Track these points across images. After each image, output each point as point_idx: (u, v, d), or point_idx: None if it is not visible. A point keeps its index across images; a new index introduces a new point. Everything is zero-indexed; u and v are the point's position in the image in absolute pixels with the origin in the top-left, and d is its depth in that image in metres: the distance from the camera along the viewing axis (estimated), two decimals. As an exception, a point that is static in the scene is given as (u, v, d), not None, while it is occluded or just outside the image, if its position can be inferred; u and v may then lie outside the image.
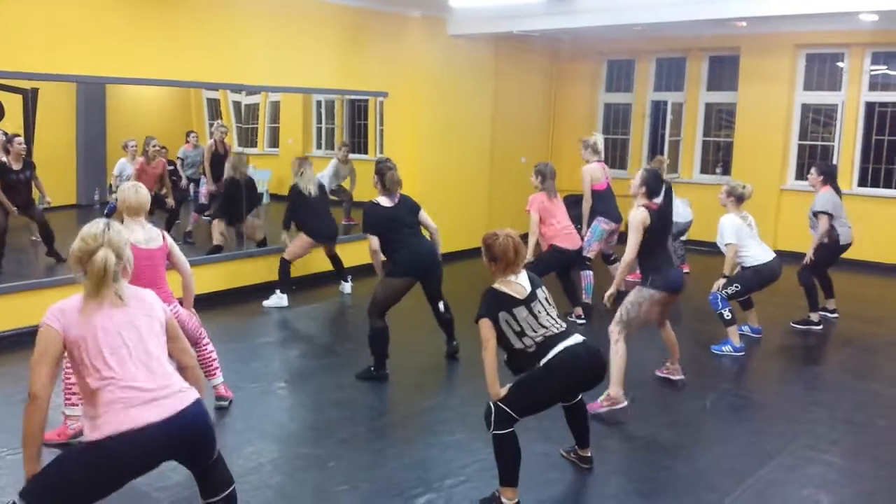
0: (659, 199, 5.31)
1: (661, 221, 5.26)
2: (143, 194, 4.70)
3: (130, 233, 4.32)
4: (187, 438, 2.92)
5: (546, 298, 3.97)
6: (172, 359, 3.12)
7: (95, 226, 2.95)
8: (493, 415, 3.77)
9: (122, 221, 4.60)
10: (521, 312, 3.82)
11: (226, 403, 5.18)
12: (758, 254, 6.42)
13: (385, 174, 5.87)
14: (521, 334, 3.82)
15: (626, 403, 5.09)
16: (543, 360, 3.79)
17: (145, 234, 4.69)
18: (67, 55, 6.71)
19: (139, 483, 4.03)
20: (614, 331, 5.17)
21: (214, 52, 7.76)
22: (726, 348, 6.41)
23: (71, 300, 2.91)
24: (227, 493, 3.12)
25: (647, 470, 4.44)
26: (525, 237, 7.14)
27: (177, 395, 2.89)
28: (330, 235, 8.21)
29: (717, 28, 10.21)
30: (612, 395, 5.09)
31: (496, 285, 3.91)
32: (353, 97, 10.68)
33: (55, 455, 2.92)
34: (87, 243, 2.90)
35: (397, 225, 5.81)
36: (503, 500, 3.78)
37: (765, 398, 5.74)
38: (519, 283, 3.90)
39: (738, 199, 6.43)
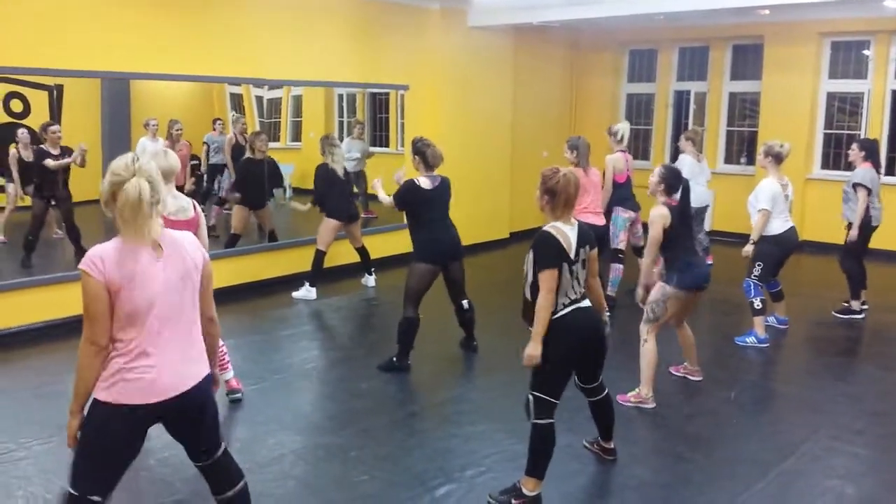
0: (678, 196, 5.21)
1: (681, 218, 5.15)
2: (172, 158, 4.31)
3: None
4: (189, 407, 2.86)
5: (583, 261, 3.81)
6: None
7: (124, 158, 2.71)
8: (531, 404, 3.74)
9: None
10: (565, 272, 3.70)
11: (239, 395, 5.20)
12: (778, 224, 6.28)
13: (426, 151, 5.76)
14: (557, 294, 3.70)
15: (653, 405, 5.07)
16: (554, 316, 3.70)
17: (175, 204, 4.35)
18: (92, 52, 6.79)
19: (167, 475, 4.12)
20: (643, 330, 5.13)
21: (236, 46, 7.81)
22: (750, 339, 6.35)
23: (108, 246, 2.70)
24: (238, 488, 3.09)
25: (670, 461, 4.42)
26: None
27: (193, 369, 2.84)
28: (353, 215, 8.21)
29: (739, 16, 10.10)
30: (641, 394, 5.08)
31: (550, 229, 3.71)
32: (374, 90, 10.68)
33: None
34: (118, 175, 2.67)
35: (427, 209, 5.74)
36: (524, 490, 3.77)
37: (789, 389, 5.69)
38: (569, 236, 3.74)
39: (777, 157, 6.26)
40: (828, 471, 4.29)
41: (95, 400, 2.76)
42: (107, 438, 2.77)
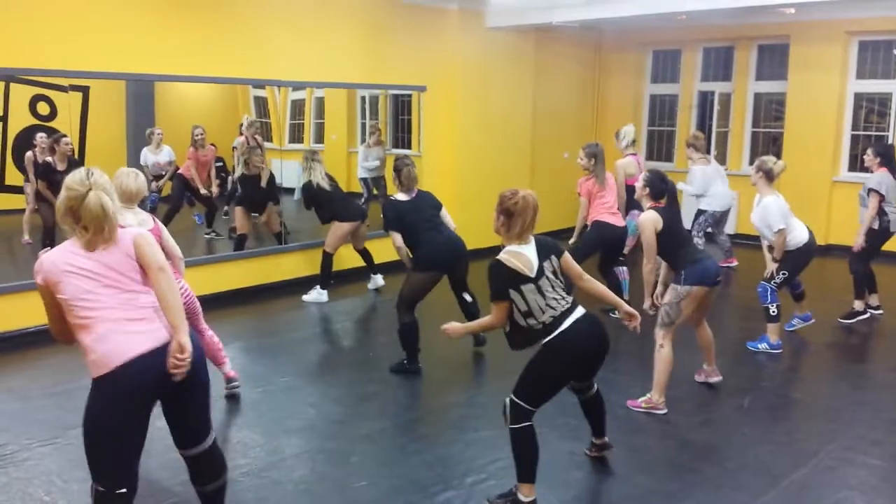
0: (664, 200, 5.13)
1: (672, 219, 5.08)
2: (141, 181, 4.69)
3: (122, 219, 4.16)
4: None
5: (553, 271, 3.75)
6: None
7: (78, 173, 2.91)
8: (508, 409, 3.70)
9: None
10: (528, 290, 3.65)
11: (237, 384, 5.22)
12: (798, 234, 6.17)
13: (402, 170, 5.91)
14: (527, 315, 3.68)
15: (665, 411, 4.97)
16: (545, 340, 3.67)
17: (136, 219, 4.64)
18: (116, 54, 6.89)
19: (164, 478, 4.11)
20: (659, 334, 5.02)
21: (254, 48, 7.86)
22: (762, 346, 6.22)
23: (54, 249, 2.94)
24: (218, 483, 3.14)
25: (676, 470, 4.31)
26: (567, 231, 7.11)
27: (159, 334, 2.92)
28: (360, 214, 8.23)
29: (765, 16, 9.92)
30: (652, 400, 4.99)
31: (503, 256, 3.70)
32: (395, 92, 10.66)
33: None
34: (74, 190, 2.86)
35: (416, 219, 5.81)
36: (520, 496, 3.71)
37: (804, 397, 5.56)
38: (526, 256, 3.70)
39: (768, 174, 6.14)
40: (840, 482, 4.16)
41: (93, 383, 2.86)
42: (112, 414, 2.84)
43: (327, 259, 7.97)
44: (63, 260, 2.88)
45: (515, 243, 3.76)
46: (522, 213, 3.70)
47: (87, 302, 2.86)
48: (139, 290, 2.96)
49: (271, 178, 8.66)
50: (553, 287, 3.72)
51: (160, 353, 2.87)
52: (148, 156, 9.18)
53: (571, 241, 7.05)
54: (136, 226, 4.51)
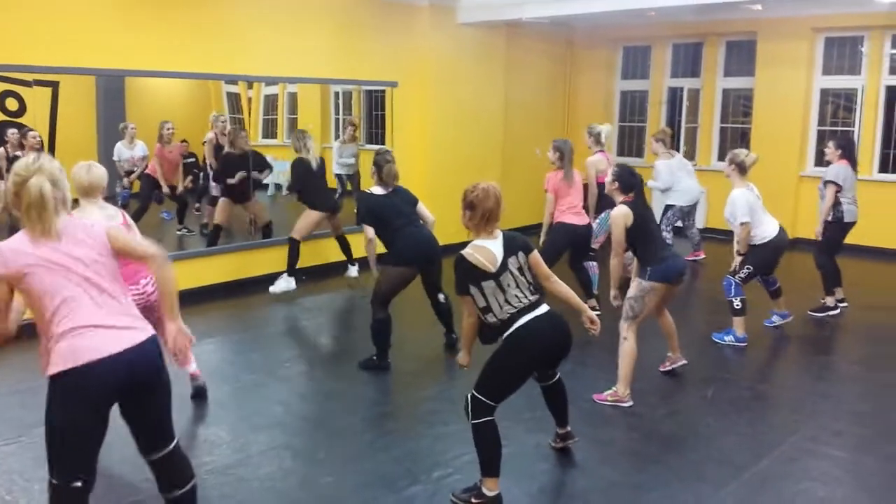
0: (633, 194, 5.19)
1: (642, 214, 5.13)
2: (95, 173, 4.44)
3: (87, 215, 4.21)
4: (139, 372, 2.89)
5: (519, 268, 3.75)
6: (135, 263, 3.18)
7: (25, 159, 2.86)
8: (469, 405, 3.72)
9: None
10: (488, 286, 3.68)
11: (201, 382, 5.14)
12: (767, 229, 6.24)
13: (383, 167, 5.85)
14: (486, 310, 3.71)
15: (630, 403, 5.01)
16: (505, 334, 3.70)
17: (102, 213, 4.45)
18: (86, 49, 6.81)
19: (126, 473, 4.08)
20: (623, 327, 5.08)
21: (225, 44, 7.80)
22: (728, 338, 6.29)
23: (10, 240, 2.86)
24: (186, 488, 3.08)
25: (640, 462, 4.35)
26: (538, 227, 7.12)
27: (132, 330, 2.89)
28: (333, 206, 8.26)
29: (733, 12, 10.02)
30: (618, 393, 5.03)
31: (467, 251, 3.71)
32: (369, 88, 10.63)
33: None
34: (19, 175, 2.80)
35: (391, 213, 5.78)
36: (484, 490, 3.72)
37: (769, 389, 5.63)
38: (490, 251, 3.72)
39: (740, 167, 6.20)
40: (802, 473, 4.22)
41: (50, 378, 2.81)
42: (70, 412, 2.79)
43: (294, 246, 8.00)
44: (23, 250, 2.79)
45: (482, 237, 3.76)
46: (482, 202, 3.72)
47: (53, 296, 2.79)
48: (108, 288, 2.89)
49: (259, 155, 8.72)
50: (517, 284, 3.73)
51: (128, 354, 2.83)
52: (122, 151, 9.08)
53: (541, 239, 7.06)
54: (103, 219, 4.37)
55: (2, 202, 7.67)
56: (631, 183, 5.13)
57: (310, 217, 8.02)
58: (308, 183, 8.01)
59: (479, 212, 3.74)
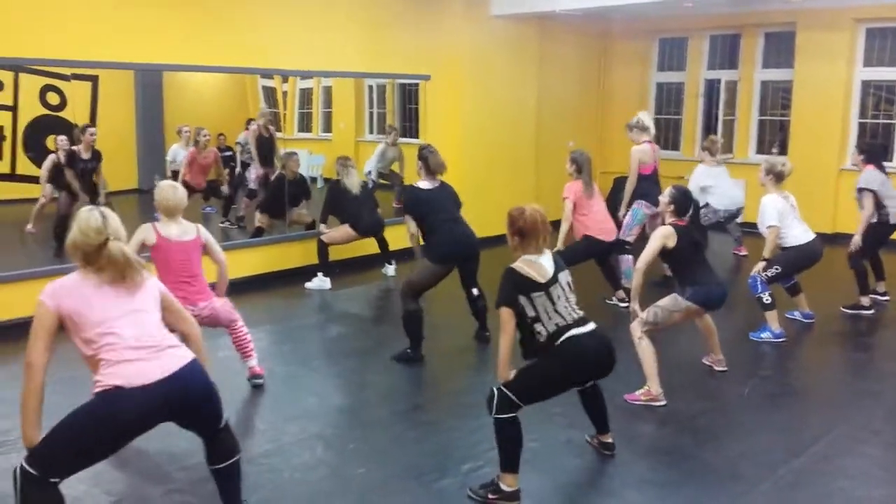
0: (687, 217, 5.12)
1: (689, 239, 5.08)
2: (180, 195, 4.90)
3: (166, 228, 4.83)
4: (186, 397, 3.00)
5: (568, 283, 3.83)
6: (174, 331, 3.25)
7: (94, 218, 3.00)
8: (495, 399, 3.70)
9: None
10: (539, 298, 3.71)
11: (260, 381, 5.25)
12: (798, 234, 6.18)
13: (429, 158, 5.90)
14: (535, 320, 3.72)
15: (664, 402, 4.93)
16: (552, 346, 3.71)
17: (179, 229, 4.91)
18: (124, 44, 6.92)
19: (163, 462, 4.14)
20: (636, 329, 5.01)
21: (258, 37, 7.86)
22: (765, 335, 6.19)
23: (66, 279, 3.02)
24: (232, 460, 3.25)
25: (674, 458, 4.30)
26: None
27: (175, 355, 3.00)
28: (371, 229, 8.27)
29: (771, 3, 9.87)
30: (651, 391, 4.97)
31: (517, 265, 3.76)
32: (402, 81, 10.64)
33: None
34: (89, 237, 2.96)
35: (434, 208, 5.79)
36: (502, 485, 3.70)
37: (806, 386, 5.54)
38: (541, 264, 3.76)
39: (778, 176, 6.18)
40: (838, 472, 4.14)
41: (103, 390, 2.88)
42: (99, 434, 2.86)
43: (322, 246, 8.03)
44: (79, 289, 2.98)
45: (530, 253, 3.81)
46: (533, 227, 3.76)
47: (107, 333, 2.94)
48: (155, 322, 3.08)
49: (302, 179, 8.90)
50: (566, 298, 3.77)
51: (170, 381, 2.93)
52: (178, 152, 9.32)
53: (557, 246, 6.97)
54: (178, 235, 4.87)
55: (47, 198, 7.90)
56: (686, 207, 5.08)
57: (344, 230, 8.09)
58: (342, 205, 8.06)
59: (531, 237, 3.78)
